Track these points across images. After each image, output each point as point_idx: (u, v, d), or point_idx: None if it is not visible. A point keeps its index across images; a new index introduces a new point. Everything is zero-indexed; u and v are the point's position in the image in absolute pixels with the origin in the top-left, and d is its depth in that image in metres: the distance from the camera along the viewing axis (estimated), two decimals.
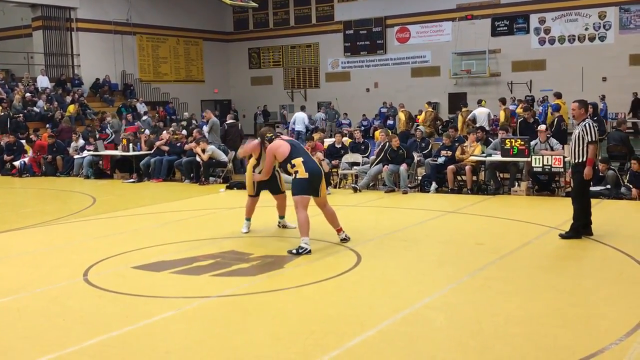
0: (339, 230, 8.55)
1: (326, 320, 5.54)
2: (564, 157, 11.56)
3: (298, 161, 8.18)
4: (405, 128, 21.02)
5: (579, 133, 8.35)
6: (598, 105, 14.39)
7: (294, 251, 7.87)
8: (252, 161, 9.13)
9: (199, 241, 8.91)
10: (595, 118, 13.91)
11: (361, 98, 32.40)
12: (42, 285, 6.89)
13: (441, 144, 13.89)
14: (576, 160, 8.41)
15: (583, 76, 27.65)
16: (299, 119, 25.12)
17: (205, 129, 17.65)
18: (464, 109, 20.14)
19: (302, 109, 27.87)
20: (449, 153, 13.12)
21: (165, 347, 5.03)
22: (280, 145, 8.39)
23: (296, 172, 8.17)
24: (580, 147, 8.34)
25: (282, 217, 9.51)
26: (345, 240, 8.47)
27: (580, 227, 8.41)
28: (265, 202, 9.60)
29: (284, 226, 9.47)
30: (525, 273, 6.98)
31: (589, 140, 8.28)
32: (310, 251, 7.88)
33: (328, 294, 6.38)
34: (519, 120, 15.56)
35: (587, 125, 8.33)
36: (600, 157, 12.57)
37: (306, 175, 8.10)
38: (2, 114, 22.97)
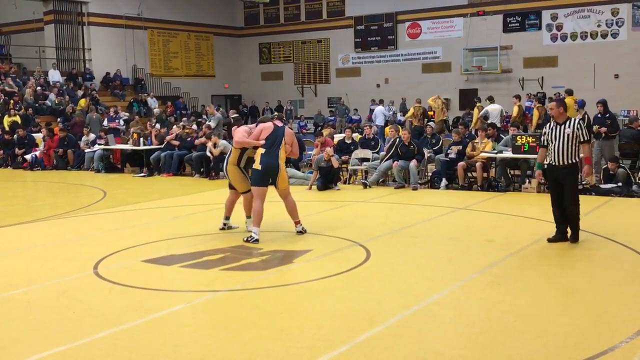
0: (297, 223, 8.86)
1: (335, 316, 5.54)
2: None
3: (259, 152, 8.51)
4: (419, 124, 20.92)
5: (569, 133, 7.82)
6: (607, 102, 14.15)
7: (245, 239, 8.36)
8: (233, 159, 8.88)
9: (208, 235, 8.93)
10: (607, 115, 13.79)
11: (372, 94, 32.30)
12: (53, 278, 6.93)
13: (451, 140, 13.85)
14: (567, 162, 7.85)
15: (595, 73, 27.47)
16: (379, 113, 24.41)
17: (212, 124, 17.69)
18: (478, 104, 20.07)
19: (381, 102, 27.37)
20: (460, 147, 13.09)
21: (175, 341, 5.05)
22: (266, 128, 8.66)
23: (254, 161, 8.57)
24: (573, 147, 7.84)
25: (227, 217, 9.29)
26: (301, 232, 8.79)
27: (565, 229, 8.03)
28: (274, 197, 9.60)
29: (227, 227, 9.25)
30: (535, 270, 6.96)
31: (582, 139, 7.85)
32: (257, 240, 8.28)
33: (337, 289, 6.38)
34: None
35: (578, 124, 7.90)
36: (609, 156, 12.53)
37: (259, 167, 8.46)
38: None
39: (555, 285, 6.39)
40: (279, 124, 8.89)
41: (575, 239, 8.01)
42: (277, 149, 8.54)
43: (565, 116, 7.99)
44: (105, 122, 22.34)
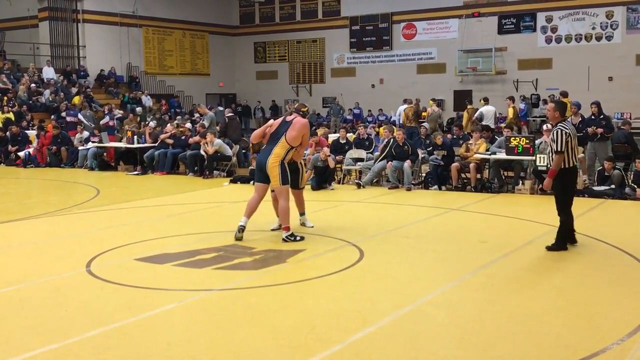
0: (285, 229, 8.33)
1: (328, 315, 5.54)
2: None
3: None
4: (411, 124, 20.89)
5: (550, 139, 7.67)
6: (601, 104, 14.16)
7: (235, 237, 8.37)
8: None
9: (202, 234, 8.92)
10: (602, 116, 13.82)
11: (366, 94, 32.36)
12: (45, 275, 6.91)
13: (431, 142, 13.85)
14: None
15: (589, 75, 27.57)
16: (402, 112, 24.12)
17: (206, 123, 17.65)
18: (469, 106, 20.11)
19: (405, 101, 27.05)
20: (444, 152, 13.06)
21: (167, 339, 5.04)
22: (274, 123, 8.65)
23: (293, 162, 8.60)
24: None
25: (302, 214, 9.21)
26: (285, 241, 8.21)
27: (566, 236, 7.80)
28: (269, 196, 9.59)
29: (303, 224, 9.14)
30: (527, 271, 6.98)
31: (556, 149, 7.48)
32: (243, 227, 8.35)
33: (330, 289, 6.38)
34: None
35: (556, 131, 7.54)
36: (607, 156, 12.54)
37: (254, 165, 8.49)
38: None
39: (548, 286, 6.41)
40: (290, 117, 8.52)
41: (552, 247, 7.70)
42: (272, 145, 8.31)
43: (557, 120, 7.68)
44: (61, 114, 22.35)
